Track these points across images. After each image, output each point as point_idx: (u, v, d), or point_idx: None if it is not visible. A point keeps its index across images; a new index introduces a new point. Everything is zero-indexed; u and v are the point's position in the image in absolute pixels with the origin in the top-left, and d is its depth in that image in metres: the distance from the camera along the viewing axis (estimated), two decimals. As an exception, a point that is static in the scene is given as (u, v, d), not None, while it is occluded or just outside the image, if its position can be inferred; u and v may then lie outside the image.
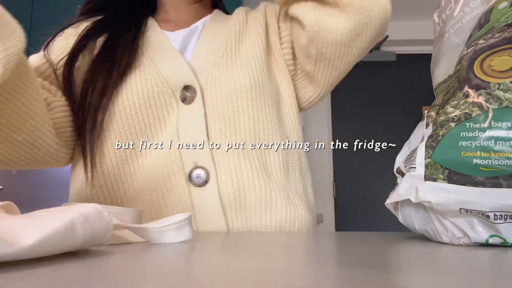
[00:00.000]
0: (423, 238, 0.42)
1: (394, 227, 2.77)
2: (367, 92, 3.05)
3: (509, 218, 0.32)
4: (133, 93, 0.60)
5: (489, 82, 0.35)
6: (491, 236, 0.33)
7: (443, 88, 0.44)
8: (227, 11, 0.81)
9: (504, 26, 0.36)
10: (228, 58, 0.65)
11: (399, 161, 0.43)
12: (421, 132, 0.42)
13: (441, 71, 0.45)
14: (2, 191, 2.56)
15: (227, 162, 0.59)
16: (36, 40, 2.58)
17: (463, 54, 0.39)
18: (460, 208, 0.33)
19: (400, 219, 0.42)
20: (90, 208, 0.29)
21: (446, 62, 0.45)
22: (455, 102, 0.36)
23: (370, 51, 3.15)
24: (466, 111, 0.35)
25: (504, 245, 0.33)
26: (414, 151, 0.39)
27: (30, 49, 2.28)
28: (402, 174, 0.41)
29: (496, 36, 0.36)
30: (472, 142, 0.33)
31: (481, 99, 0.34)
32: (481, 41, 0.38)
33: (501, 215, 0.32)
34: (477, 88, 0.35)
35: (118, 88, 0.61)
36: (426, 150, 0.36)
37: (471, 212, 0.33)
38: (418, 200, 0.35)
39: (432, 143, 0.36)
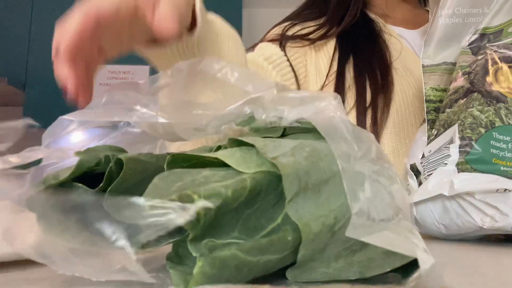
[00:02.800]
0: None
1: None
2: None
3: None
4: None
5: (506, 97, 0.38)
6: None
7: (434, 69, 0.47)
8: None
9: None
10: None
11: (417, 157, 0.44)
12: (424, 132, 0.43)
13: (430, 52, 0.48)
14: (1, 191, 2.56)
15: None
16: (36, 40, 2.58)
17: (474, 60, 0.41)
18: (505, 189, 0.34)
19: (417, 216, 0.42)
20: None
21: (443, 46, 0.47)
22: (480, 107, 0.39)
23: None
24: (491, 119, 0.38)
25: None
26: (441, 150, 0.40)
27: (29, 48, 2.27)
28: (416, 172, 0.42)
29: (501, 50, 0.39)
30: (500, 152, 0.36)
31: (501, 113, 0.38)
32: (489, 52, 0.40)
33: None
34: (497, 100, 0.38)
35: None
36: (460, 152, 0.38)
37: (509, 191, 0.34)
38: (453, 193, 0.36)
39: (466, 147, 0.38)
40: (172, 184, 0.17)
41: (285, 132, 0.27)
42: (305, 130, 0.26)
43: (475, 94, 0.39)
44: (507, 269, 0.26)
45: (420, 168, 0.42)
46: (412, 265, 0.21)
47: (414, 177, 0.42)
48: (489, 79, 0.39)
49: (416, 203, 0.41)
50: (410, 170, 0.43)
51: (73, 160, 0.24)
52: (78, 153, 0.25)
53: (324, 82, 0.66)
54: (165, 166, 0.21)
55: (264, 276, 0.21)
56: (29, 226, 0.24)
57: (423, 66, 0.48)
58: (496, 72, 0.39)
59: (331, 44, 0.69)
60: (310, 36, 0.69)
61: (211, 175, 0.18)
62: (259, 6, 2.91)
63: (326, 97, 0.24)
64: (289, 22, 0.73)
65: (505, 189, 0.34)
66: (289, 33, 0.70)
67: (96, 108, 0.28)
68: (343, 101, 0.65)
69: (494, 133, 0.37)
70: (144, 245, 0.20)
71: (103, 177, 0.23)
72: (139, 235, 0.21)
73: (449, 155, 0.39)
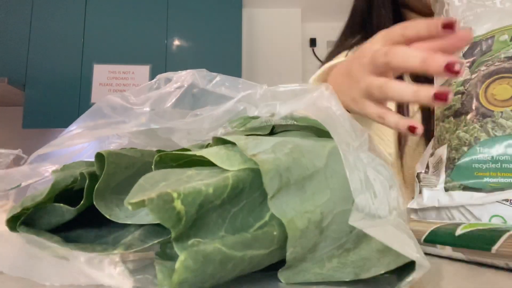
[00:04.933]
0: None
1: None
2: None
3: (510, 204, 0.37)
4: None
5: (493, 111, 0.40)
6: (493, 216, 0.38)
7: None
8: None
9: (504, 58, 0.41)
10: None
11: (419, 168, 0.49)
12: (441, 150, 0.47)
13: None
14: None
15: None
16: (36, 40, 2.57)
17: (468, 79, 0.43)
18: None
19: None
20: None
21: None
22: (466, 127, 0.42)
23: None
24: (475, 135, 0.41)
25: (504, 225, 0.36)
26: (435, 171, 0.45)
27: (29, 48, 2.27)
28: (419, 179, 0.47)
29: (496, 64, 0.41)
30: (483, 165, 0.39)
31: (487, 127, 0.40)
32: (483, 68, 0.42)
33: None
34: (483, 116, 0.41)
35: None
36: (446, 172, 0.43)
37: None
38: (440, 205, 0.42)
39: (450, 165, 0.43)
40: (156, 184, 0.17)
41: (274, 130, 0.26)
42: (295, 127, 0.26)
43: (463, 116, 0.42)
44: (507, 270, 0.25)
45: (422, 179, 0.46)
46: (407, 267, 0.21)
47: (418, 185, 0.47)
48: (479, 100, 0.41)
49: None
50: (416, 178, 0.48)
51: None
52: (54, 172, 0.25)
53: None
54: (153, 167, 0.21)
55: (256, 277, 0.21)
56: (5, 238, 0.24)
57: None
58: (486, 88, 0.41)
59: None
60: None
61: (196, 174, 0.18)
62: (259, 6, 2.91)
63: (318, 88, 0.24)
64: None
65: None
66: None
67: (85, 126, 0.28)
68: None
69: (478, 148, 0.40)
70: (130, 245, 0.20)
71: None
72: (126, 238, 0.21)
73: (438, 174, 0.43)
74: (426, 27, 0.30)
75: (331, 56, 0.74)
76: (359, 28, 0.74)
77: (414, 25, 0.31)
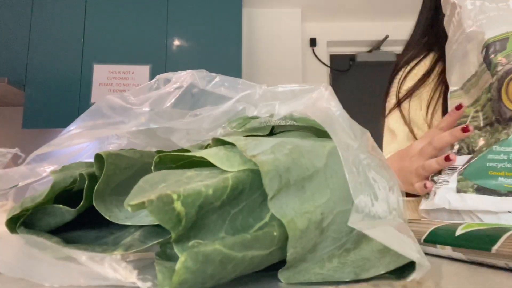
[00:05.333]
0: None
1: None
2: (367, 92, 3.05)
3: None
4: None
5: None
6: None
7: (459, 94, 0.50)
8: None
9: None
10: None
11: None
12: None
13: (453, 79, 0.51)
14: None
15: None
16: (36, 40, 2.57)
17: (491, 83, 0.43)
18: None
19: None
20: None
21: (459, 70, 0.49)
22: (504, 138, 0.41)
23: (370, 51, 3.15)
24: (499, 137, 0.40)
25: None
26: (449, 171, 0.45)
27: (29, 48, 2.27)
28: (433, 181, 0.47)
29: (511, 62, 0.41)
30: (498, 164, 0.39)
31: (510, 129, 0.40)
32: (499, 68, 0.42)
33: None
34: (511, 119, 0.41)
35: None
36: (459, 170, 0.43)
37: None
38: (451, 208, 0.42)
39: (465, 164, 0.42)
40: (156, 185, 0.17)
41: (274, 131, 0.26)
42: (294, 128, 0.26)
43: (495, 124, 0.42)
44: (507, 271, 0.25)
45: (435, 178, 0.47)
46: (407, 267, 0.21)
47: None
48: (504, 103, 0.41)
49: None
50: (430, 178, 0.48)
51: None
52: (53, 172, 0.25)
53: (435, 107, 0.69)
54: (152, 168, 0.21)
55: (256, 277, 0.21)
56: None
57: (450, 92, 0.51)
58: (507, 88, 0.40)
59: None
60: (423, 79, 0.72)
61: (195, 175, 0.18)
62: (259, 6, 2.91)
63: (317, 88, 0.24)
64: (399, 76, 0.76)
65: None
66: (403, 89, 0.75)
67: (84, 126, 0.28)
68: None
69: (494, 146, 0.40)
70: (130, 246, 0.20)
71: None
72: (126, 239, 0.21)
73: (452, 173, 0.43)
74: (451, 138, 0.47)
75: (398, 67, 0.79)
76: (428, 27, 0.76)
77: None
